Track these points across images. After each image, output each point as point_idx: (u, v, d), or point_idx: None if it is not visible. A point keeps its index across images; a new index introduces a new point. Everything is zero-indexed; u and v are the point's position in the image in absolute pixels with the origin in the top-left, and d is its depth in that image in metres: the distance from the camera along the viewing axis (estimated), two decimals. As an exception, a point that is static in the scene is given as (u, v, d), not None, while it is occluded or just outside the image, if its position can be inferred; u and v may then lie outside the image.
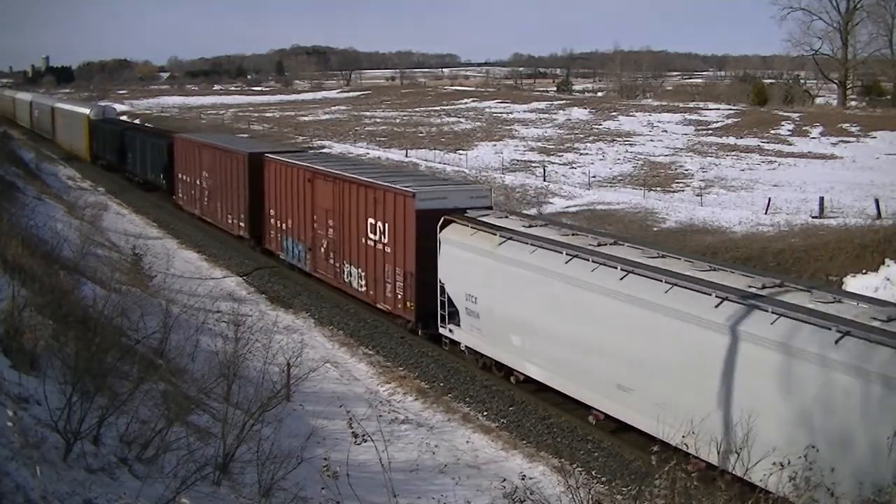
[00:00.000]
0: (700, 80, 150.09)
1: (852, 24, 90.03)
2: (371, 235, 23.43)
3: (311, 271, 27.82)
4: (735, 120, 74.61)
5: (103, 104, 73.22)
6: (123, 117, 60.31)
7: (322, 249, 26.76)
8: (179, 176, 39.95)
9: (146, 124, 57.06)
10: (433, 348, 21.97)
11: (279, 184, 29.61)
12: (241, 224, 32.78)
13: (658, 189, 44.51)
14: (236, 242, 34.07)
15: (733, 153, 57.23)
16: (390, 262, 22.52)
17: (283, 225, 29.58)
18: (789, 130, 67.70)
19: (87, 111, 60.77)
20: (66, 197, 42.34)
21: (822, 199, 37.51)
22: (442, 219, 20.57)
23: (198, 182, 37.45)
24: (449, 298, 20.51)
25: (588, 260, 16.44)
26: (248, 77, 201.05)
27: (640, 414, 14.99)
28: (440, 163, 54.68)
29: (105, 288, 21.39)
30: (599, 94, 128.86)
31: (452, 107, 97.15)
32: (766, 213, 36.93)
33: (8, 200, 29.96)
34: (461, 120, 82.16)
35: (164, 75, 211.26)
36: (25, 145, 67.68)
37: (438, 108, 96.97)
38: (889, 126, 64.41)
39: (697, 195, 41.88)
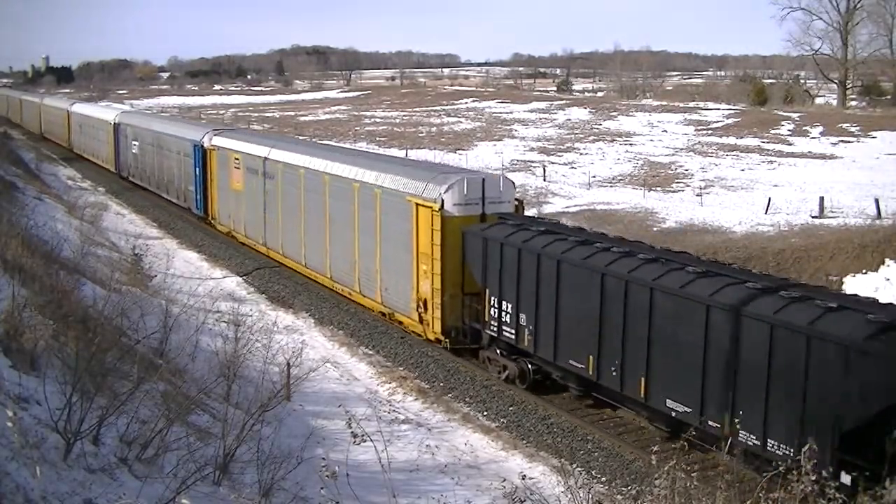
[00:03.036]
0: (700, 80, 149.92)
1: (852, 24, 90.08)
2: None
3: None
4: (735, 120, 74.59)
5: (466, 173, 22.88)
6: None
7: None
8: None
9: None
10: (433, 348, 21.88)
11: None
12: None
13: (658, 189, 44.50)
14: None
15: (733, 153, 57.20)
16: None
17: None
18: (789, 130, 67.68)
19: (437, 190, 20.82)
20: (66, 197, 42.27)
21: (821, 198, 37.48)
22: None
23: None
24: None
25: None
26: (248, 77, 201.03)
27: None
28: (440, 162, 54.66)
29: (105, 288, 21.38)
30: (599, 94, 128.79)
31: (452, 107, 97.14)
32: (766, 213, 36.92)
33: (8, 200, 29.94)
34: (461, 120, 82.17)
35: (165, 75, 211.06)
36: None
37: (438, 108, 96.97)
38: (889, 126, 64.38)
39: (697, 195, 41.86)
